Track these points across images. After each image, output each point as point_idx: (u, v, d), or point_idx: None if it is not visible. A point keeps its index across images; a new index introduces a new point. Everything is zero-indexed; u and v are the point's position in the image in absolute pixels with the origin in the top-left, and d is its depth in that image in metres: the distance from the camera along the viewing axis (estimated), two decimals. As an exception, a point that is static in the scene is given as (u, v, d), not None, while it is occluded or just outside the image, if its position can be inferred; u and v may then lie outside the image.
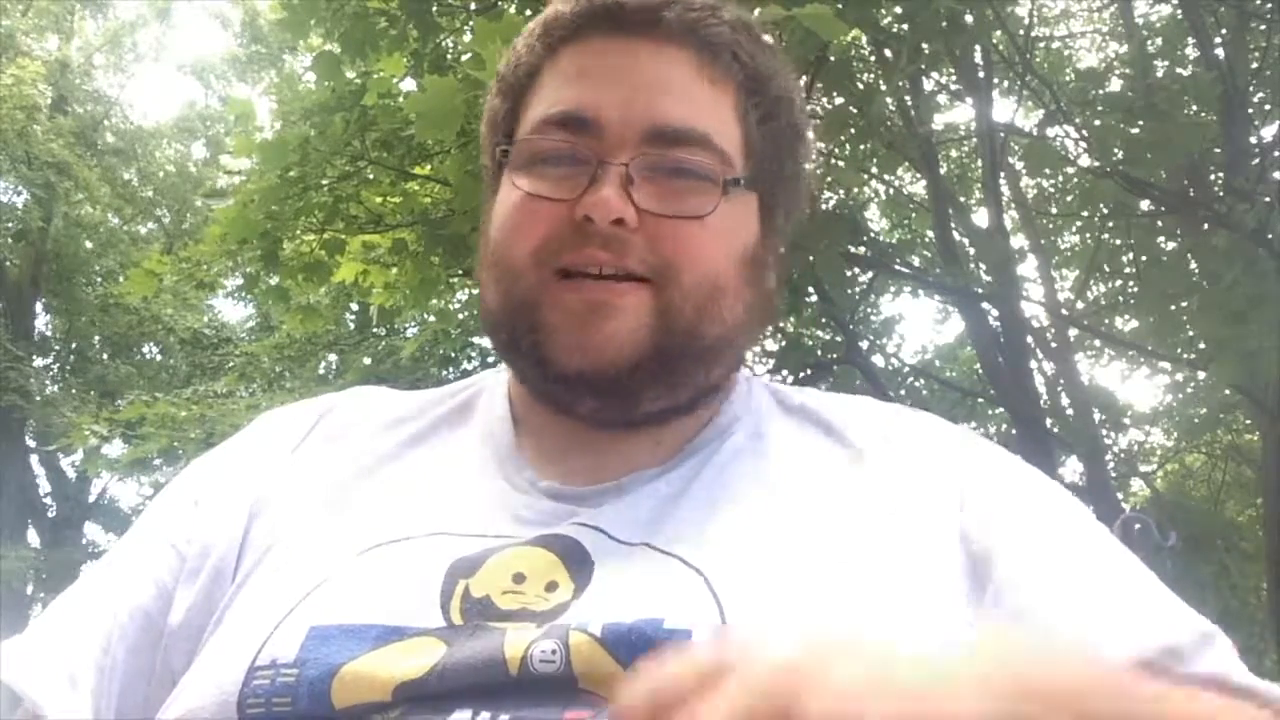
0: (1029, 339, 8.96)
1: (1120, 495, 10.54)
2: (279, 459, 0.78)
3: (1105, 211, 8.29)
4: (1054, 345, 9.91)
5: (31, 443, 14.76)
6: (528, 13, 4.56)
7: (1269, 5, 6.76)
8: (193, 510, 0.76)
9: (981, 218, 9.15)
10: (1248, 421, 9.30)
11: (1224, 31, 7.13)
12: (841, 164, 6.81)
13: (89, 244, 15.36)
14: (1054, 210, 10.28)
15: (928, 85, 8.00)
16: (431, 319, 7.18)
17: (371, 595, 0.65)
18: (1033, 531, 0.70)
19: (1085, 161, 7.41)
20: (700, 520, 0.70)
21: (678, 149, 0.73)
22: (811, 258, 5.37)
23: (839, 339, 8.63)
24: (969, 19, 4.71)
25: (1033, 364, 9.09)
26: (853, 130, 5.82)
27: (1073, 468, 10.07)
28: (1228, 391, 7.43)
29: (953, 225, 8.31)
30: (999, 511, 0.71)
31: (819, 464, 0.76)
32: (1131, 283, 8.85)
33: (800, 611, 0.63)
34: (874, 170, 8.11)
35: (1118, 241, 8.88)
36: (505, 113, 0.80)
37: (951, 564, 0.69)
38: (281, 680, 0.61)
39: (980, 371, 10.14)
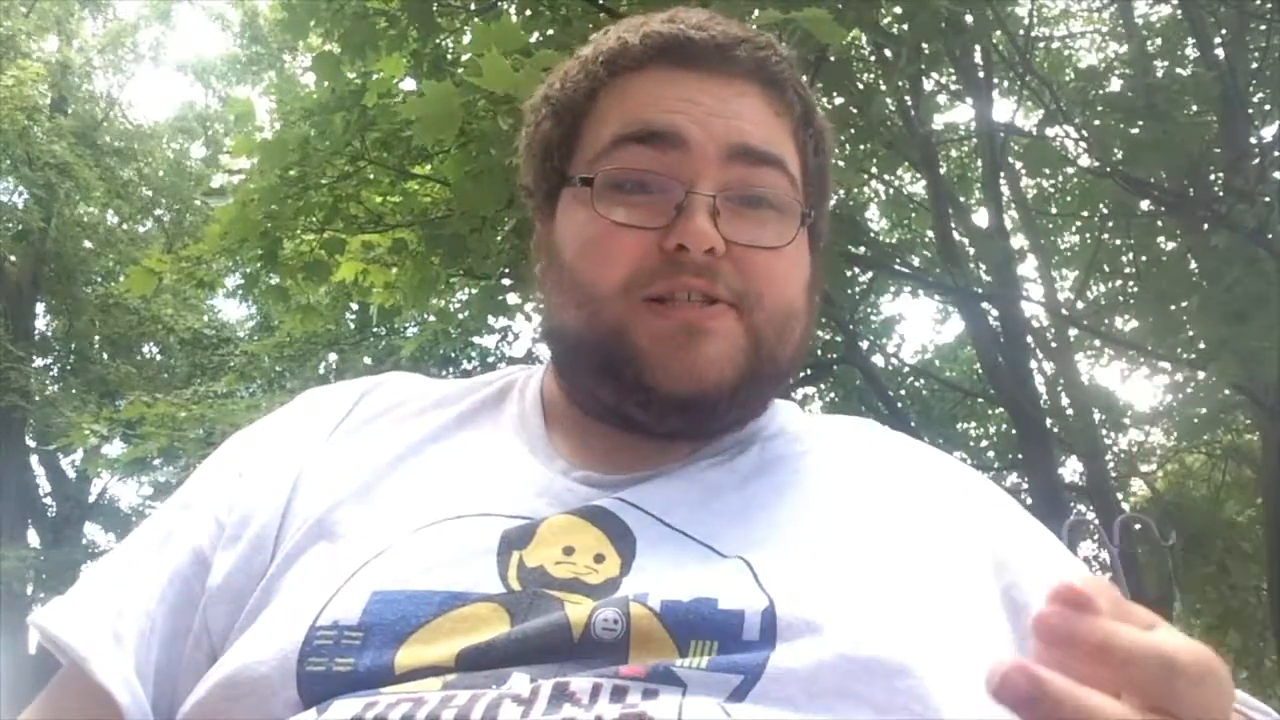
0: (1029, 339, 8.96)
1: (1120, 495, 10.54)
2: (321, 435, 0.81)
3: (1105, 211, 8.31)
4: (1054, 345, 9.92)
5: (31, 443, 14.74)
6: (527, 13, 4.57)
7: (1269, 5, 6.77)
8: (236, 481, 0.78)
9: (981, 218, 9.16)
10: (1248, 421, 9.30)
11: (1224, 31, 7.13)
12: (841, 164, 6.80)
13: (89, 244, 15.33)
14: (1054, 210, 10.29)
15: (928, 85, 8.00)
16: (431, 319, 7.18)
17: (431, 564, 0.67)
18: (1045, 567, 0.74)
19: (1085, 161, 7.43)
20: (739, 509, 0.73)
21: (758, 170, 0.76)
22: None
23: (839, 339, 8.64)
24: (969, 19, 4.71)
25: (1033, 364, 9.10)
26: (853, 130, 5.82)
27: (1073, 468, 10.08)
28: (1228, 391, 7.43)
29: (953, 225, 8.31)
30: (1022, 552, 0.75)
31: (853, 467, 0.79)
32: (1131, 283, 8.85)
33: (845, 604, 0.64)
34: (874, 170, 8.12)
35: (1118, 241, 8.89)
36: (560, 137, 0.80)
37: (986, 581, 0.71)
38: (345, 642, 0.63)
39: (980, 371, 10.15)
